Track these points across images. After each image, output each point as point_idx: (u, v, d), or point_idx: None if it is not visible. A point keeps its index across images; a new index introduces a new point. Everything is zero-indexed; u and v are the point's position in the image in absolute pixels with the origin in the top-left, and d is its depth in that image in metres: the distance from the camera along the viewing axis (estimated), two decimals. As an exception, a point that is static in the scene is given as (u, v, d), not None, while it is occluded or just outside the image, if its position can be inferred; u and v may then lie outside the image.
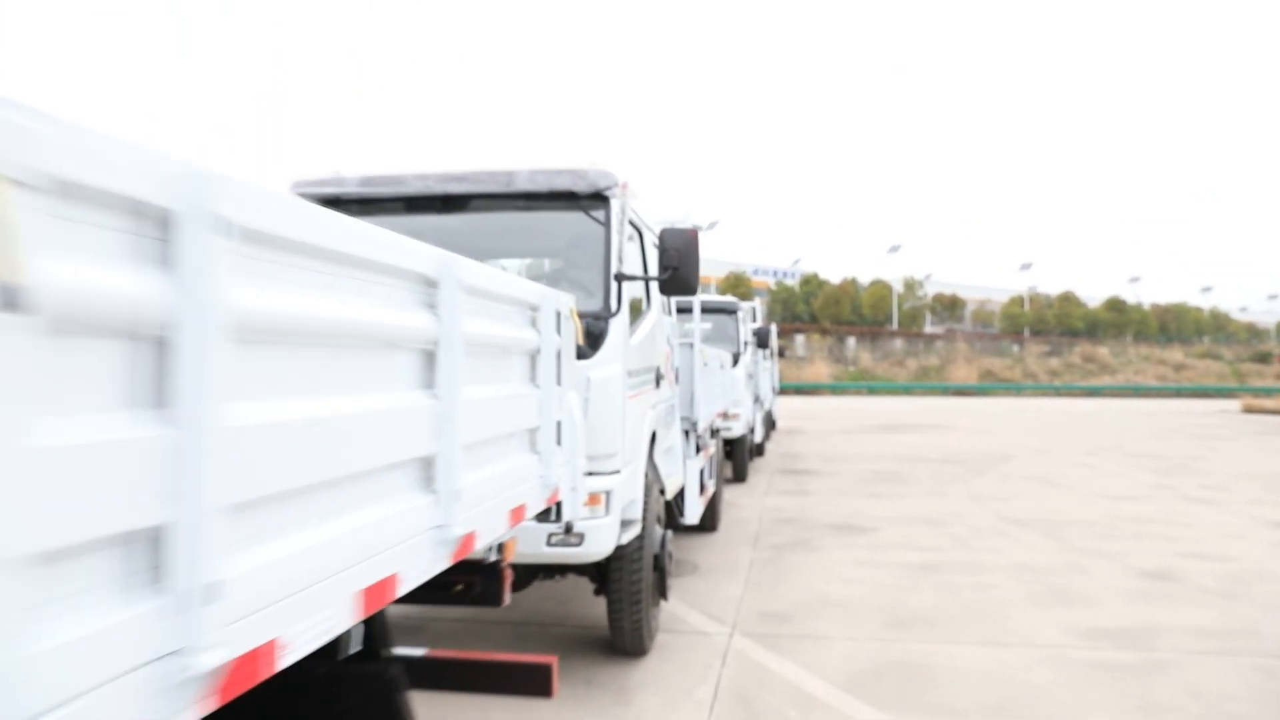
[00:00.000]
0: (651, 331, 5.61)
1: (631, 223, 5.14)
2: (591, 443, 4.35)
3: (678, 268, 4.66)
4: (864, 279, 76.86)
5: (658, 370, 5.75)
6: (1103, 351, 69.88)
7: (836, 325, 70.35)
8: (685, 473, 7.03)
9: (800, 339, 66.45)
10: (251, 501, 1.50)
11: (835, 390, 55.55)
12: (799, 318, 70.76)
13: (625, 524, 4.77)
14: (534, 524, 4.37)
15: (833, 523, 9.88)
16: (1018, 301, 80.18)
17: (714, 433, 9.26)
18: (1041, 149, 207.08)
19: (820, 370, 61.08)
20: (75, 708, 1.11)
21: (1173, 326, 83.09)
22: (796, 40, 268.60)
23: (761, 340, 15.25)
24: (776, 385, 23.96)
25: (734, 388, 12.51)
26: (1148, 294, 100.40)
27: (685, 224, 7.12)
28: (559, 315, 3.42)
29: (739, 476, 13.36)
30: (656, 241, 4.85)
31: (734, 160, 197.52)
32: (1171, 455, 17.77)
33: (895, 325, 73.43)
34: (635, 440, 4.98)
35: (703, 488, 7.85)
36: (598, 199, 4.78)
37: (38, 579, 1.07)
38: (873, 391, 55.84)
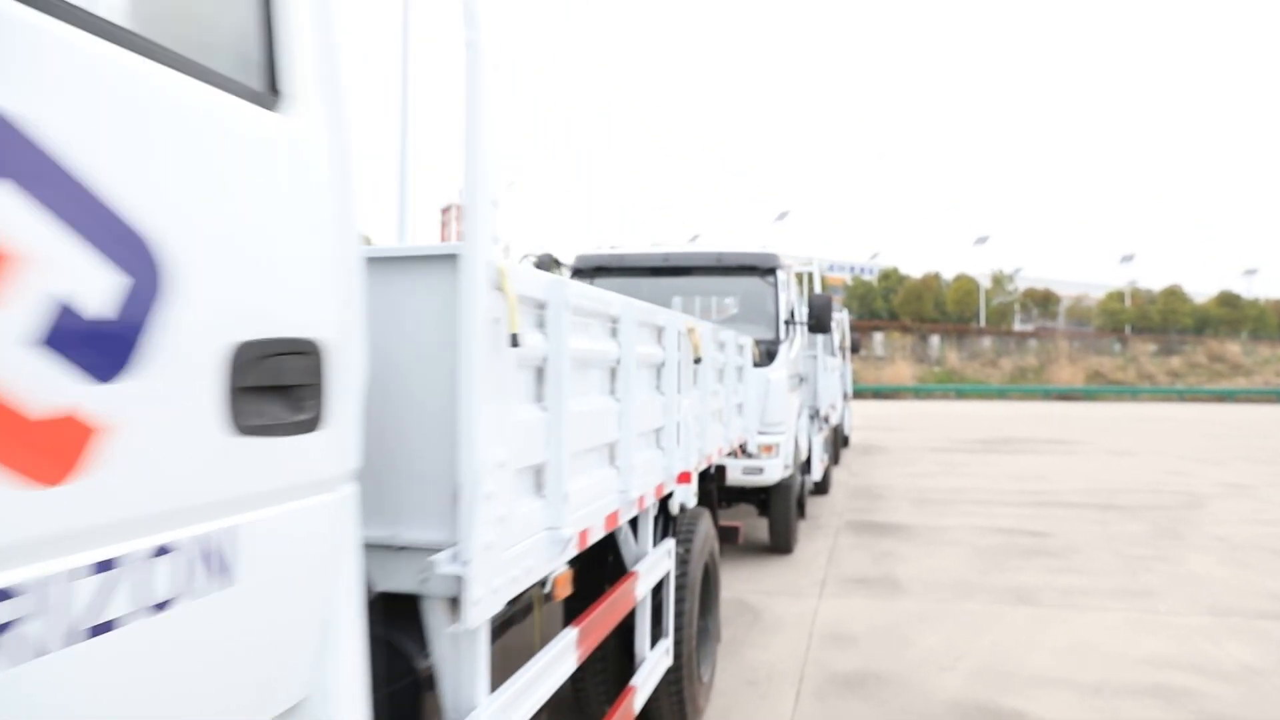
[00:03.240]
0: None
1: None
2: None
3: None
4: (947, 273, 70.82)
5: None
6: (1233, 350, 61.44)
7: (918, 323, 64.28)
8: None
9: (879, 337, 60.49)
10: None
11: (919, 393, 49.58)
12: (878, 315, 65.09)
13: None
14: None
15: (960, 702, 4.58)
16: (1117, 296, 72.73)
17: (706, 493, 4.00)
18: (1138, 132, 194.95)
19: (902, 371, 55.19)
20: None
21: (1295, 323, 74.43)
22: (873, 18, 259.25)
23: (819, 322, 8.05)
24: (849, 390, 18.33)
25: (770, 403, 7.38)
26: (1262, 288, 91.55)
27: None
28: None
29: (780, 546, 8.09)
30: None
31: (806, 148, 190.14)
32: None
33: (982, 323, 67.12)
34: None
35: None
36: None
37: None
38: (962, 395, 49.66)
